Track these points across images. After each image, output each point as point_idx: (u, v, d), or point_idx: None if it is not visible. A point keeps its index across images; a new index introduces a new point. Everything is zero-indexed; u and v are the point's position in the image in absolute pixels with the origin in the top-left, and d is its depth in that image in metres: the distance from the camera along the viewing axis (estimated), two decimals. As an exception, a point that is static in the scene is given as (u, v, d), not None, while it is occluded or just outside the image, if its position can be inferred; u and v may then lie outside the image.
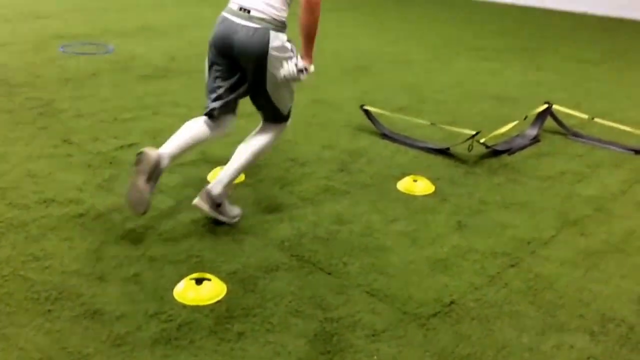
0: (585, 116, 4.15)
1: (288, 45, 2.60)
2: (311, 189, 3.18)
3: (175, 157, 2.68)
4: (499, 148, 3.78)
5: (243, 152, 2.77)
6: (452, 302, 2.27)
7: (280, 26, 2.57)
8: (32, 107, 4.19)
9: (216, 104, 2.70)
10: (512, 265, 2.54)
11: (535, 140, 4.00)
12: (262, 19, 2.52)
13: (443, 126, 3.94)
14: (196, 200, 2.70)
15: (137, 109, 4.27)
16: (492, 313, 2.22)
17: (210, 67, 2.72)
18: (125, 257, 2.46)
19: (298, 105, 4.47)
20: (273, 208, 2.95)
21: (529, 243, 2.72)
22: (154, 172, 2.56)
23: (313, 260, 2.51)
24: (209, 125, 2.75)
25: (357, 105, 4.25)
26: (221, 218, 2.75)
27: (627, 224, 2.93)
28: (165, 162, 2.61)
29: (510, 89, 5.23)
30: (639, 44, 7.37)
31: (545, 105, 4.13)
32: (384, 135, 4.00)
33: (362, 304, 2.24)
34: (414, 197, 3.15)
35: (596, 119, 4.11)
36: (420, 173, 3.40)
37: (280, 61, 2.58)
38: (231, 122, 2.84)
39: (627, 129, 3.96)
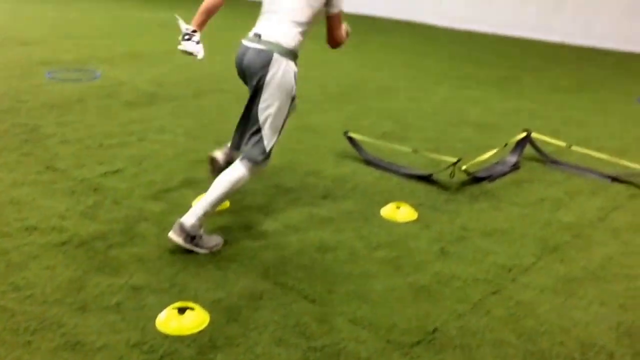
0: (563, 144, 4.20)
1: (291, 74, 2.67)
2: (296, 215, 3.17)
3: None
4: (480, 175, 3.81)
5: (219, 185, 2.72)
6: (435, 330, 2.26)
7: (288, 53, 2.65)
8: (17, 134, 4.15)
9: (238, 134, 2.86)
10: (494, 292, 2.54)
11: (515, 167, 4.03)
12: (270, 42, 2.63)
13: (425, 153, 3.97)
14: (170, 233, 2.66)
15: (122, 135, 4.25)
16: (475, 341, 2.21)
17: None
18: (108, 285, 2.42)
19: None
20: (257, 235, 2.93)
21: (510, 270, 2.72)
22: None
23: (297, 288, 2.49)
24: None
25: (342, 131, 4.27)
26: (197, 250, 2.69)
27: (605, 250, 2.95)
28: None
29: (490, 116, 5.29)
30: (614, 73, 7.51)
31: (525, 133, 4.18)
32: (368, 162, 4.01)
33: (346, 332, 2.22)
34: (397, 224, 3.15)
35: (574, 147, 4.16)
36: (404, 199, 3.40)
37: (281, 87, 2.64)
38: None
39: (604, 156, 4.01)
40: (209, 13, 2.78)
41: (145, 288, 2.42)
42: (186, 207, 3.15)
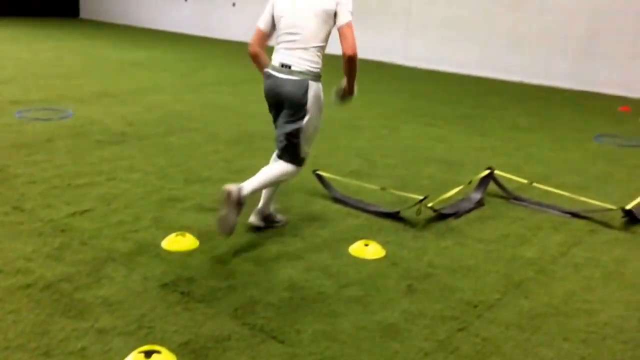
0: (525, 181, 4.29)
1: (321, 96, 3.14)
2: (265, 254, 3.15)
3: (255, 192, 3.13)
4: (445, 212, 3.85)
5: (265, 172, 3.19)
6: (402, 369, 2.24)
7: (316, 77, 3.10)
8: (-17, 173, 4.06)
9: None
10: (460, 329, 2.54)
11: (480, 203, 4.09)
12: (301, 72, 3.05)
13: (393, 191, 4.01)
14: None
15: (92, 175, 4.19)
16: (442, 379, 2.20)
17: (271, 115, 3.31)
18: (73, 329, 2.35)
19: (253, 171, 4.44)
20: (226, 275, 2.90)
21: (475, 306, 2.74)
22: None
23: (266, 329, 2.45)
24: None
25: (311, 169, 4.29)
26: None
27: (567, 286, 2.99)
28: (267, 208, 3.32)
29: (455, 154, 5.38)
30: (572, 112, 7.74)
31: (488, 171, 4.27)
32: (337, 200, 4.03)
33: (314, 373, 2.19)
34: (366, 261, 3.15)
35: (535, 184, 4.25)
36: (372, 237, 3.41)
37: (315, 105, 3.10)
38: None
39: (564, 193, 4.11)
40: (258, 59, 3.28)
41: (111, 331, 2.36)
42: (155, 247, 3.12)
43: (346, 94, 3.29)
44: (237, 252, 3.15)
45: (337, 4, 3.01)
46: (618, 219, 3.84)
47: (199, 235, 3.26)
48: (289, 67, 3.05)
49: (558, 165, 5.17)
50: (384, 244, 3.34)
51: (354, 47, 3.03)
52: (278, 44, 3.16)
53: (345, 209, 3.89)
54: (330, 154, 5.17)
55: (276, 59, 3.12)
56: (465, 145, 5.74)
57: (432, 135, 6.05)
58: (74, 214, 3.47)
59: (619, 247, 3.49)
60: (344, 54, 3.04)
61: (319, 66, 3.11)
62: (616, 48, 8.98)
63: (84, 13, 17.20)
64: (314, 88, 3.07)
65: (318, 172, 4.22)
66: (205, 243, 3.21)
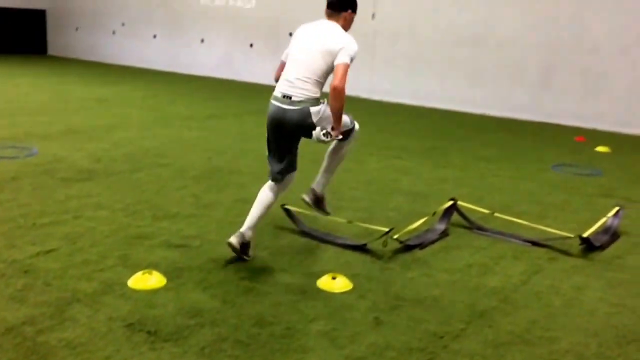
0: (487, 211, 4.37)
1: (325, 110, 3.34)
2: (233, 290, 3.12)
3: (256, 226, 3.50)
4: (411, 243, 3.89)
5: (330, 156, 3.70)
6: (370, 403, 2.23)
7: (316, 101, 3.35)
8: (-55, 214, 3.95)
9: (278, 171, 3.51)
10: (427, 361, 2.55)
11: (444, 234, 4.14)
12: (301, 101, 3.31)
13: (359, 223, 4.03)
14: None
15: (57, 213, 4.11)
16: (409, 412, 2.19)
17: (268, 144, 3.55)
18: (35, 374, 2.28)
19: (221, 206, 4.50)
20: (194, 312, 2.86)
21: (441, 337, 2.75)
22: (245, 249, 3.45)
23: (233, 367, 2.42)
24: (273, 189, 3.54)
25: (279, 204, 4.29)
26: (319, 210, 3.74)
27: (529, 314, 3.03)
28: (249, 234, 3.47)
29: (420, 185, 5.46)
30: (531, 142, 7.95)
31: (451, 202, 4.34)
32: (305, 233, 4.03)
33: (282, 411, 2.16)
34: (333, 295, 3.14)
35: (497, 214, 4.33)
36: (339, 270, 3.42)
37: (325, 120, 3.32)
38: (292, 177, 3.62)
39: (524, 222, 4.19)
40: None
41: (75, 375, 2.29)
42: (121, 286, 3.06)
43: (334, 128, 3.33)
44: (205, 288, 3.12)
45: (340, 48, 3.28)
46: (576, 246, 3.93)
47: (166, 273, 3.21)
48: (290, 97, 3.34)
49: (518, 195, 5.29)
50: (351, 276, 3.34)
51: (340, 81, 3.23)
52: (284, 72, 3.46)
53: (314, 243, 3.89)
54: (298, 187, 5.15)
55: (278, 89, 3.42)
56: (429, 176, 5.82)
57: (397, 168, 6.13)
58: (38, 254, 3.39)
59: (577, 274, 3.57)
60: (330, 85, 3.25)
61: (318, 95, 3.37)
62: (570, 81, 9.30)
63: (52, 50, 17.07)
64: (316, 109, 3.34)
65: (286, 206, 4.23)
66: (173, 280, 3.16)
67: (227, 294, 3.08)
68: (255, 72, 13.11)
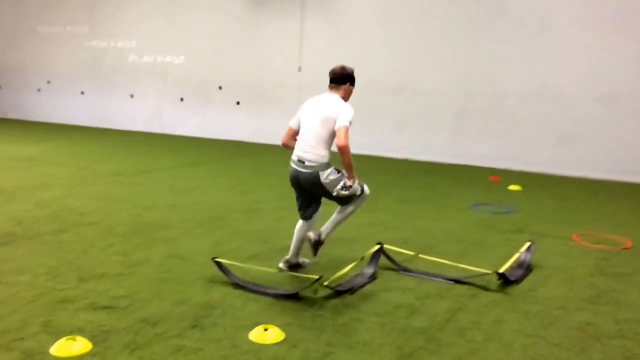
0: (411, 253, 4.48)
1: (334, 175, 3.95)
2: (162, 350, 3.02)
3: (297, 253, 4.28)
4: (341, 289, 3.91)
5: (338, 212, 4.13)
6: None
7: (326, 165, 3.95)
8: None
9: (306, 214, 4.21)
10: (358, 407, 2.54)
11: (373, 277, 4.20)
12: (312, 166, 3.94)
13: (289, 272, 4.03)
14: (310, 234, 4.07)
15: (-25, 281, 3.87)
16: None
17: (296, 196, 4.21)
18: None
19: (151, 263, 4.38)
20: (122, 376, 2.74)
21: (371, 381, 2.76)
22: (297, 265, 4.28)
23: None
24: (306, 224, 4.22)
25: (211, 256, 4.24)
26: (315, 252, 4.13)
27: (454, 351, 3.10)
28: (295, 259, 4.29)
29: (349, 231, 5.51)
30: (451, 184, 8.27)
31: (378, 246, 4.42)
32: (237, 285, 3.98)
33: None
34: (265, 347, 3.10)
35: (420, 255, 4.45)
36: (272, 320, 3.39)
37: (334, 183, 3.93)
38: (318, 213, 4.25)
39: (446, 261, 4.33)
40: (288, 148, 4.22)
41: None
42: (43, 355, 2.89)
43: (349, 179, 3.99)
44: (133, 350, 3.00)
45: (338, 115, 3.91)
46: (494, 281, 4.09)
47: (92, 337, 3.07)
48: (303, 162, 3.98)
49: (441, 235, 5.46)
50: (283, 326, 3.31)
51: (343, 141, 3.82)
52: (297, 140, 4.10)
53: (245, 294, 3.84)
54: (230, 239, 5.14)
55: (295, 153, 4.06)
56: (358, 221, 5.89)
57: (327, 214, 6.16)
58: (-47, 326, 3.17)
59: (496, 308, 3.70)
60: (336, 145, 3.84)
61: (327, 158, 3.96)
62: (483, 125, 9.82)
63: (-27, 109, 16.35)
64: (325, 174, 3.93)
65: (217, 259, 4.17)
66: (99, 345, 3.02)
67: (157, 354, 2.97)
68: (186, 126, 13.04)
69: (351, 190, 3.96)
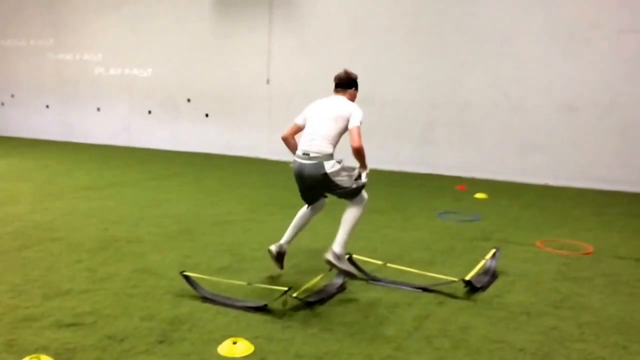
0: (380, 262, 4.51)
1: (337, 166, 4.03)
2: (129, 367, 2.96)
3: (292, 240, 4.37)
4: (311, 299, 3.91)
5: (345, 222, 4.11)
6: None
7: (329, 157, 4.02)
8: None
9: (309, 202, 4.34)
10: (327, 418, 2.53)
11: (342, 288, 4.21)
12: (317, 157, 4.01)
13: (259, 285, 4.01)
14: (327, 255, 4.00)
15: None
16: None
17: (298, 187, 4.26)
18: None
19: (118, 278, 4.31)
20: (87, 395, 2.67)
21: (341, 391, 2.76)
22: (281, 259, 4.31)
23: None
24: (309, 210, 4.38)
25: (180, 270, 4.19)
26: (343, 267, 4.01)
27: (422, 359, 3.12)
28: (285, 248, 4.31)
29: (319, 241, 5.53)
30: (418, 192, 8.36)
31: (347, 256, 4.44)
32: (206, 299, 3.94)
33: None
34: (235, 360, 3.07)
35: (389, 264, 4.48)
36: (241, 333, 3.36)
37: (337, 173, 4.01)
38: (323, 202, 4.38)
39: (414, 270, 4.37)
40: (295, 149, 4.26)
41: None
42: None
43: (361, 170, 4.15)
44: (100, 368, 2.94)
45: (350, 114, 4.06)
46: (461, 289, 4.14)
47: (56, 355, 3.00)
48: (308, 154, 4.04)
49: (409, 244, 5.51)
50: (253, 339, 3.29)
51: (357, 141, 3.97)
52: (302, 136, 4.14)
53: (215, 308, 3.81)
54: (200, 252, 5.09)
55: (300, 148, 4.10)
56: (327, 232, 5.89)
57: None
58: None
59: (463, 315, 3.75)
60: (351, 146, 4.00)
61: (332, 151, 4.05)
62: (449, 135, 9.98)
63: None
64: (329, 164, 3.99)
65: (185, 273, 4.13)
66: (64, 363, 2.96)
67: (124, 370, 2.92)
68: (154, 139, 12.90)
69: (361, 181, 4.08)
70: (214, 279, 4.15)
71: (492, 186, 8.85)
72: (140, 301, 3.89)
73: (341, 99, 4.23)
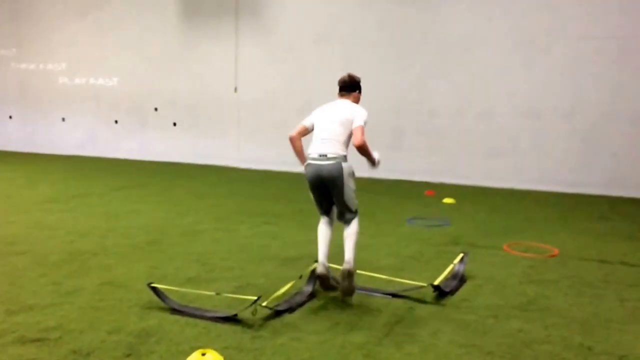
0: (349, 269, 4.50)
1: (351, 170, 4.17)
2: (95, 382, 2.89)
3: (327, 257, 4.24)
4: (280, 308, 3.89)
5: (348, 237, 4.18)
6: None
7: (345, 158, 4.16)
8: None
9: (326, 211, 4.34)
10: None
11: (312, 295, 4.20)
12: (334, 157, 4.12)
13: (227, 294, 3.97)
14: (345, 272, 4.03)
15: None
16: None
17: (314, 198, 4.34)
18: None
19: (85, 292, 4.22)
20: (51, 413, 2.60)
21: (311, 400, 2.74)
22: (328, 281, 4.17)
23: None
24: (328, 221, 4.35)
25: (147, 282, 4.12)
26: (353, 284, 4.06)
27: (392, 364, 3.14)
28: (326, 265, 4.18)
29: (289, 249, 5.52)
30: (387, 198, 8.42)
31: (316, 263, 4.42)
32: (174, 310, 3.88)
33: None
34: (204, 372, 3.03)
35: (358, 271, 4.48)
36: (210, 344, 3.31)
37: (349, 177, 4.14)
38: (334, 211, 4.36)
39: (384, 276, 4.39)
40: (300, 150, 4.44)
41: None
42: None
43: (372, 163, 4.34)
44: (64, 384, 2.86)
45: (354, 116, 4.19)
46: (430, 294, 4.17)
47: (18, 373, 2.91)
48: (326, 155, 4.13)
49: (378, 250, 5.54)
50: (222, 350, 3.25)
51: (359, 140, 4.09)
52: (314, 141, 4.24)
53: (184, 319, 3.75)
54: (168, 262, 5.02)
55: (314, 151, 4.18)
56: (297, 239, 5.92)
57: (267, 233, 6.17)
58: None
59: (432, 320, 3.78)
60: (354, 145, 4.13)
61: (345, 152, 4.17)
62: (417, 141, 10.10)
63: None
64: (345, 167, 4.12)
65: (152, 284, 4.06)
66: (27, 380, 2.87)
67: (90, 386, 2.84)
68: (121, 148, 12.71)
69: (377, 163, 4.34)
70: (182, 289, 4.10)
71: (460, 191, 8.97)
72: (107, 314, 3.81)
73: (346, 103, 4.33)
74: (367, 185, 9.61)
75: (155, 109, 12.31)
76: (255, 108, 11.40)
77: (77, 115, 13.18)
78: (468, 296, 4.23)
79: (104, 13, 12.58)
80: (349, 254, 4.11)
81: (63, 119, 13.36)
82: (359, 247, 5.58)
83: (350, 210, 4.21)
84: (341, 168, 4.10)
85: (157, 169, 11.15)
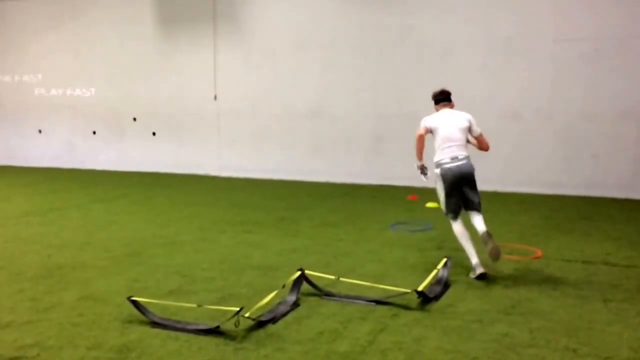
0: (332, 277, 4.49)
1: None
2: (73, 401, 2.83)
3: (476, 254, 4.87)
4: (263, 319, 3.85)
5: (480, 217, 4.94)
6: None
7: (469, 157, 4.95)
8: None
9: (458, 211, 4.97)
10: None
11: (296, 305, 4.17)
12: (466, 157, 4.92)
13: (209, 306, 3.92)
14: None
15: None
16: None
17: (448, 196, 4.92)
18: None
19: (63, 307, 4.14)
20: None
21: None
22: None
23: None
24: (461, 221, 4.96)
25: (127, 295, 4.05)
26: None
27: (377, 373, 3.11)
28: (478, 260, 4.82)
29: (271, 258, 5.48)
30: (370, 204, 8.42)
31: (299, 272, 4.40)
32: (155, 324, 3.82)
33: None
34: (186, 387, 2.98)
35: (341, 278, 4.47)
36: (192, 358, 3.29)
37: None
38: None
39: (367, 283, 4.37)
40: (422, 149, 5.07)
41: None
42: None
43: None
44: (41, 404, 2.79)
45: (470, 124, 5.03)
46: (414, 300, 4.16)
47: (-7, 394, 2.84)
48: (458, 157, 4.88)
49: (362, 256, 5.52)
50: (204, 363, 3.21)
51: (488, 145, 5.19)
52: (442, 148, 4.95)
53: (165, 333, 3.69)
54: (149, 275, 4.95)
55: (446, 156, 4.91)
56: (280, 248, 5.88)
57: (249, 242, 6.12)
58: None
59: (417, 326, 3.77)
60: (483, 149, 5.22)
61: (468, 154, 4.98)
62: (397, 146, 10.09)
63: None
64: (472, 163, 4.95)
65: (133, 298, 4.00)
66: (2, 402, 2.80)
67: (68, 405, 2.78)
68: (100, 159, 12.56)
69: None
70: (163, 302, 4.05)
71: (443, 195, 8.99)
72: (86, 330, 3.74)
73: (456, 111, 5.12)
74: (349, 190, 9.62)
75: (134, 119, 12.19)
76: (235, 115, 11.34)
77: (54, 127, 13.00)
78: (452, 301, 4.23)
79: (80, 23, 12.44)
80: (484, 225, 4.84)
81: (40, 131, 13.17)
82: (340, 253, 5.61)
83: (479, 199, 5.02)
84: (472, 165, 4.94)
85: (137, 179, 11.03)
